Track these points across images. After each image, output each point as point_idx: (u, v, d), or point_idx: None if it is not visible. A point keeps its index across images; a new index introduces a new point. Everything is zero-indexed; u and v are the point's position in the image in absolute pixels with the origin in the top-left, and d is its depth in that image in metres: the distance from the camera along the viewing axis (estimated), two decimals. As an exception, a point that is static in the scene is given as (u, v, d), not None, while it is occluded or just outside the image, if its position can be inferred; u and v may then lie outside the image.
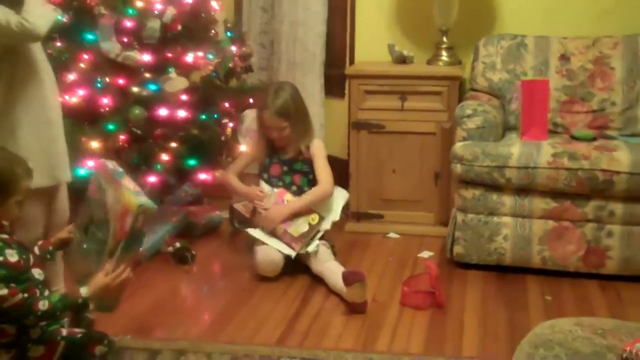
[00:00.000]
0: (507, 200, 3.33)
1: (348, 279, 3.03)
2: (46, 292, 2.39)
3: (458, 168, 3.36)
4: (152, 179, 3.49)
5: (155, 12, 3.49)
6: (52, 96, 2.82)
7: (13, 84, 2.67)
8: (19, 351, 2.31)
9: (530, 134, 3.50)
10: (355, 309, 3.03)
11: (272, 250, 3.32)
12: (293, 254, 3.31)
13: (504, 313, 3.02)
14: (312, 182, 3.54)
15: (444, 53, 4.01)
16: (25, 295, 2.26)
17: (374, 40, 4.22)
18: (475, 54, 3.93)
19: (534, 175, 3.25)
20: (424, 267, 3.26)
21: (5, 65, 2.65)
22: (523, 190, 3.30)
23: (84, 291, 2.33)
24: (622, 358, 1.59)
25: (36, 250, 2.50)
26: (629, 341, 1.64)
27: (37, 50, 2.75)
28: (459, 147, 3.38)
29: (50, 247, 2.55)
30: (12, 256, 2.27)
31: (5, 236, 2.33)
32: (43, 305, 2.27)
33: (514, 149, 3.33)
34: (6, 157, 2.37)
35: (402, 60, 3.99)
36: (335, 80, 4.38)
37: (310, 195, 3.45)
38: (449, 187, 3.78)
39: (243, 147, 3.87)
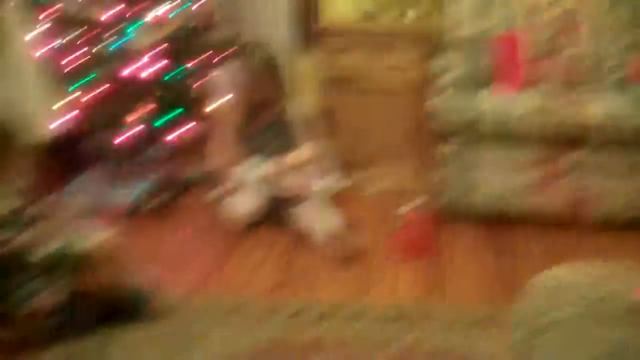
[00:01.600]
0: (487, 153, 3.34)
1: (335, 233, 3.01)
2: None
3: (435, 123, 3.35)
4: (124, 137, 3.36)
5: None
6: (28, 47, 2.74)
7: None
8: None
9: (503, 87, 3.52)
10: (344, 260, 3.00)
11: (236, 204, 3.28)
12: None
13: (493, 263, 3.04)
14: (290, 143, 3.47)
15: (412, 7, 3.97)
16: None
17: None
18: (445, 7, 3.89)
19: (511, 127, 3.26)
20: (409, 220, 3.24)
21: None
22: (502, 142, 3.31)
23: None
24: None
25: None
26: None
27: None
28: (434, 101, 3.36)
29: None
30: None
31: None
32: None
33: (489, 102, 3.34)
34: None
35: (370, 16, 3.94)
36: (303, 38, 4.29)
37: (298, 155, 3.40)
38: (428, 142, 3.76)
39: (213, 104, 3.76)
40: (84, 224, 2.47)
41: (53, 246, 2.32)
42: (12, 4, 2.78)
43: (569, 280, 1.74)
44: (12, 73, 2.72)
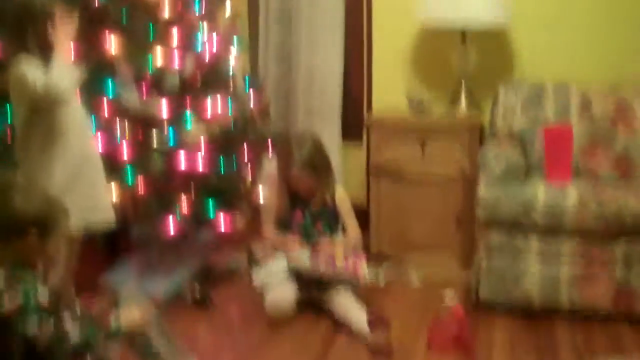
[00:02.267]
0: (534, 243, 3.28)
1: (372, 324, 2.98)
2: None
3: (482, 212, 3.32)
4: (171, 225, 3.46)
5: (175, 67, 3.51)
6: (89, 142, 2.92)
7: (50, 132, 2.77)
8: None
9: (554, 178, 3.47)
10: (380, 354, 2.96)
11: (280, 292, 3.30)
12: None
13: (534, 358, 2.94)
14: (334, 229, 3.50)
15: (462, 98, 4.01)
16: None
17: (391, 86, 4.25)
18: (495, 99, 3.92)
19: (561, 217, 3.21)
20: (449, 312, 3.19)
21: (38, 119, 2.75)
22: (549, 232, 3.26)
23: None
24: None
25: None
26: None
27: (72, 100, 2.84)
28: (483, 191, 3.34)
29: None
30: (41, 296, 2.25)
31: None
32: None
33: (539, 192, 3.30)
34: (44, 196, 2.40)
35: (421, 106, 3.99)
36: (353, 126, 4.39)
37: (346, 241, 3.44)
38: (471, 231, 3.74)
39: (262, 194, 3.87)
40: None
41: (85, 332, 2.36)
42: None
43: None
44: (71, 159, 2.87)
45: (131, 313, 2.41)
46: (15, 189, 2.46)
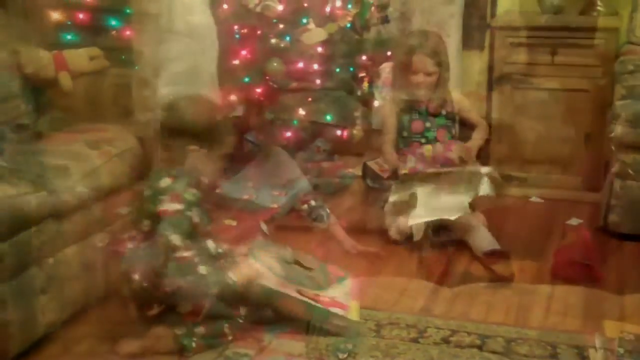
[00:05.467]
0: (674, 167, 3.06)
1: (490, 259, 2.88)
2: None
3: (618, 129, 3.09)
4: (287, 133, 3.39)
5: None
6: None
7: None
8: (169, 306, 2.31)
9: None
10: (502, 278, 2.86)
11: (400, 213, 3.16)
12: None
13: (667, 292, 2.79)
14: (454, 137, 3.36)
15: (598, 2, 3.70)
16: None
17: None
18: (634, 3, 3.61)
19: None
20: (577, 236, 3.04)
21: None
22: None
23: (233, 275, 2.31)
24: None
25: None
26: None
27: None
28: (620, 106, 3.11)
29: None
30: (196, 216, 2.30)
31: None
32: (203, 269, 2.23)
33: (683, 109, 3.04)
34: (214, 109, 2.45)
35: (553, 10, 3.71)
36: (475, 30, 4.13)
37: (481, 136, 3.31)
38: (601, 150, 3.53)
39: (377, 103, 3.74)
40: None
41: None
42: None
43: None
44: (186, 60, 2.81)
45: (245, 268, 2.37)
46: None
